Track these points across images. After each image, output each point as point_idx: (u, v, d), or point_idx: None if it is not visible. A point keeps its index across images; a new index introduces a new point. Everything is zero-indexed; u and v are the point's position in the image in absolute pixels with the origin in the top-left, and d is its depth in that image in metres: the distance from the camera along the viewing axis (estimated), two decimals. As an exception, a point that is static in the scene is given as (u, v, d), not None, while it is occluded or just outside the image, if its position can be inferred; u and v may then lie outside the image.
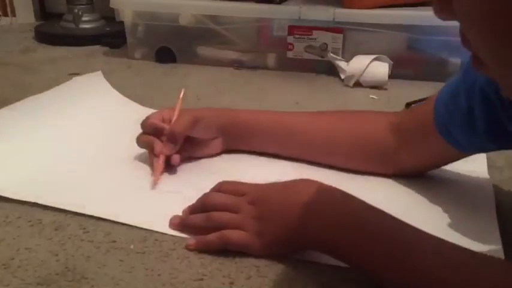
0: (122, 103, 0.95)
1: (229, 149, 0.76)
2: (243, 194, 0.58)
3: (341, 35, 1.14)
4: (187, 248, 0.55)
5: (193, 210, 0.60)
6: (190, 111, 0.73)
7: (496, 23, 0.30)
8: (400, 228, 0.49)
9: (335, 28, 1.14)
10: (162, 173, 0.69)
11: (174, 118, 0.71)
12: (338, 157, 0.71)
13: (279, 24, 1.18)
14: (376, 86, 1.08)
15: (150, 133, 0.71)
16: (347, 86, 1.10)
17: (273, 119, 0.74)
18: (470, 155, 0.65)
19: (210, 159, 0.75)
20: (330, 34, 1.15)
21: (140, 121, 0.72)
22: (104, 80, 1.02)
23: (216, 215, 0.56)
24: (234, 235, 0.54)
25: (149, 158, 0.72)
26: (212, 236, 0.55)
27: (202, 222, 0.57)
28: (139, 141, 0.72)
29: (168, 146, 0.69)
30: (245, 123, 0.74)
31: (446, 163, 0.68)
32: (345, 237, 0.49)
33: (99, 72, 1.05)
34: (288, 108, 0.97)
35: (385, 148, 0.68)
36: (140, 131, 0.72)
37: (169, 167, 0.71)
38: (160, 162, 0.69)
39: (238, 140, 0.75)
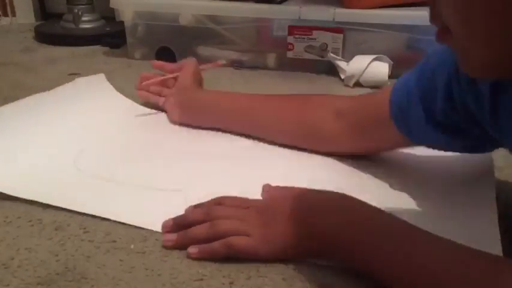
0: (123, 104, 0.95)
1: (184, 122, 0.86)
2: (247, 206, 0.57)
3: (341, 35, 1.14)
4: (189, 256, 0.54)
5: (192, 222, 0.57)
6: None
7: None
8: (401, 226, 0.49)
9: (335, 28, 1.14)
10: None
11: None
12: (284, 136, 0.77)
13: (279, 24, 1.18)
14: (376, 86, 1.08)
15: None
16: (347, 86, 1.10)
17: (228, 99, 0.84)
18: (420, 145, 0.68)
19: (207, 153, 0.77)
20: (330, 34, 1.15)
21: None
22: (106, 82, 1.02)
23: (221, 222, 0.55)
24: (241, 242, 0.53)
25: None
26: (217, 244, 0.53)
27: (205, 231, 0.55)
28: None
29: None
30: (204, 102, 0.84)
31: (392, 149, 0.72)
32: (348, 235, 0.50)
33: (102, 75, 1.05)
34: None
35: (327, 132, 0.73)
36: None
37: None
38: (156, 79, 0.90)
39: (193, 115, 0.85)
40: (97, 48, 1.38)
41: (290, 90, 1.08)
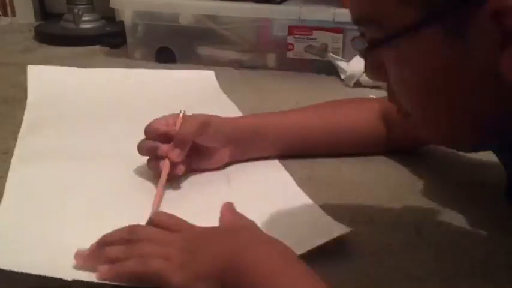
0: None
1: (234, 160, 0.72)
2: (179, 229, 0.52)
3: (341, 35, 1.14)
4: (99, 277, 0.47)
5: (112, 242, 0.51)
6: (197, 116, 0.68)
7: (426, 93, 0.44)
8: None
9: (335, 28, 1.14)
10: (164, 186, 0.63)
11: (179, 123, 0.66)
12: (341, 147, 0.76)
13: (279, 24, 1.18)
14: (376, 86, 1.08)
15: (154, 139, 0.66)
16: (347, 86, 1.10)
17: (277, 122, 0.75)
18: None
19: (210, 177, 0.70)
20: (330, 34, 1.15)
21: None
22: None
23: (140, 243, 0.49)
24: (157, 263, 0.47)
25: (152, 164, 0.67)
26: (131, 262, 0.47)
27: (120, 250, 0.49)
28: (143, 147, 0.66)
29: (175, 151, 0.64)
30: (252, 130, 0.72)
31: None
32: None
33: None
34: (288, 108, 0.97)
35: (378, 133, 0.76)
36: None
37: (173, 178, 0.65)
38: (164, 175, 0.63)
39: (245, 148, 0.72)
40: (97, 48, 1.38)
41: (290, 90, 1.08)
